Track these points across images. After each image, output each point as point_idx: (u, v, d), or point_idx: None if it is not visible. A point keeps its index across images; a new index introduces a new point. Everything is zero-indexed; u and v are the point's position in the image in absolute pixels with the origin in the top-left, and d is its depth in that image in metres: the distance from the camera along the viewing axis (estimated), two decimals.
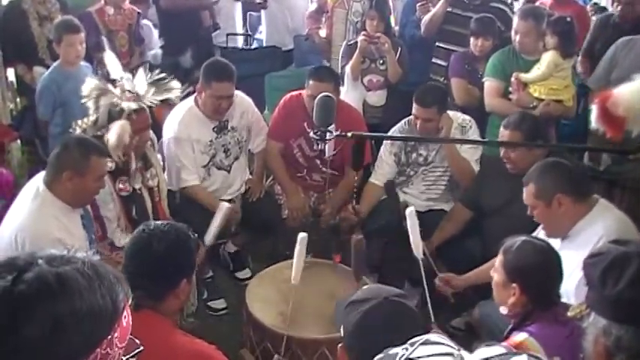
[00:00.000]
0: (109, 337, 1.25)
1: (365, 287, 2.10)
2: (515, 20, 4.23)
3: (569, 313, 1.65)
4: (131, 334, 2.03)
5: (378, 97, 4.83)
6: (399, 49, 4.77)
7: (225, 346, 2.94)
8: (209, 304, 4.08)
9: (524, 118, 3.57)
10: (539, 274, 2.35)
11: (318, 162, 4.23)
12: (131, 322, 1.35)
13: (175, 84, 3.47)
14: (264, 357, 2.99)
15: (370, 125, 4.60)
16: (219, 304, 4.09)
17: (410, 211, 3.17)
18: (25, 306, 1.15)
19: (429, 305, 2.98)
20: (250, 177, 4.36)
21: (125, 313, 1.31)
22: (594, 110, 2.62)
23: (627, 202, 4.06)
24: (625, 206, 3.92)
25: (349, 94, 4.73)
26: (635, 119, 2.56)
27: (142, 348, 1.40)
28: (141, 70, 3.44)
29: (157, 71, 3.46)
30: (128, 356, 1.36)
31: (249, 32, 6.77)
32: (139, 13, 5.53)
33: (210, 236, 3.42)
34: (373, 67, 4.80)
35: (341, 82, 4.71)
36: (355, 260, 3.28)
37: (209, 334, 3.20)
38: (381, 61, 4.77)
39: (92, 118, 3.32)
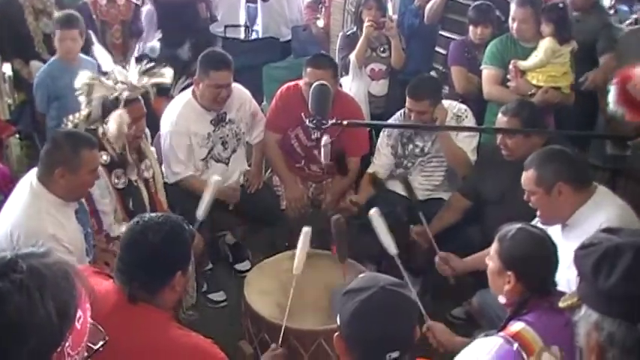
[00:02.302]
0: (59, 348, 1.20)
1: (361, 275, 2.09)
2: (513, 7, 4.20)
3: (561, 304, 1.60)
4: (126, 329, 2.04)
5: (380, 87, 4.79)
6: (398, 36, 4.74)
7: (224, 338, 2.93)
8: (209, 296, 4.08)
9: (523, 106, 3.57)
10: (534, 262, 2.32)
11: (316, 152, 4.21)
12: (88, 323, 1.28)
13: (167, 70, 3.47)
14: (262, 348, 2.98)
15: (374, 116, 4.58)
16: (219, 296, 4.09)
17: (373, 213, 3.19)
18: None
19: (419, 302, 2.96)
20: (249, 169, 4.35)
21: (79, 314, 1.25)
22: (613, 92, 2.48)
23: (631, 191, 4.04)
24: (629, 196, 3.91)
25: (354, 84, 4.71)
26: None
27: (107, 338, 1.34)
28: (132, 60, 3.44)
29: (146, 61, 3.47)
30: (95, 347, 1.32)
31: (248, 24, 6.75)
32: (137, 5, 5.52)
33: (201, 210, 3.34)
34: (375, 56, 4.76)
35: (341, 73, 4.69)
36: (337, 240, 3.27)
37: (208, 327, 3.21)
38: (382, 49, 4.73)
39: (85, 112, 3.32)
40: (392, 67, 4.75)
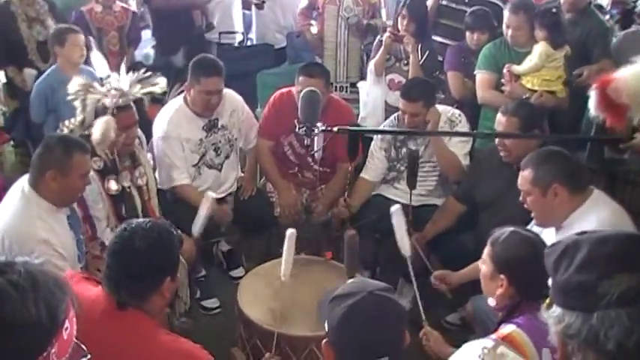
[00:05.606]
0: (45, 352, 1.20)
1: (350, 281, 2.06)
2: (506, 14, 4.18)
3: (544, 305, 1.61)
4: (115, 335, 2.02)
5: (396, 97, 4.59)
6: (427, 52, 4.64)
7: (217, 345, 2.91)
8: (202, 303, 4.06)
9: (522, 105, 3.59)
10: (527, 265, 2.30)
11: (310, 159, 4.21)
12: (73, 336, 1.29)
13: (161, 79, 3.45)
14: (254, 354, 2.97)
15: None
16: (213, 303, 4.08)
17: (396, 209, 3.12)
18: None
19: (420, 304, 2.95)
20: (242, 175, 4.34)
21: (67, 325, 1.26)
22: (593, 97, 2.45)
23: (629, 195, 4.03)
24: (627, 199, 3.88)
25: (373, 89, 4.71)
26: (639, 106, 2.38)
27: (89, 356, 1.35)
28: (123, 67, 3.43)
29: (144, 70, 3.45)
30: None
31: (243, 31, 6.75)
32: (134, 13, 5.52)
33: (197, 226, 3.38)
34: (397, 67, 4.72)
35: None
36: (348, 257, 3.21)
37: (202, 333, 3.20)
38: (406, 62, 4.67)
39: (80, 117, 3.30)
40: None
